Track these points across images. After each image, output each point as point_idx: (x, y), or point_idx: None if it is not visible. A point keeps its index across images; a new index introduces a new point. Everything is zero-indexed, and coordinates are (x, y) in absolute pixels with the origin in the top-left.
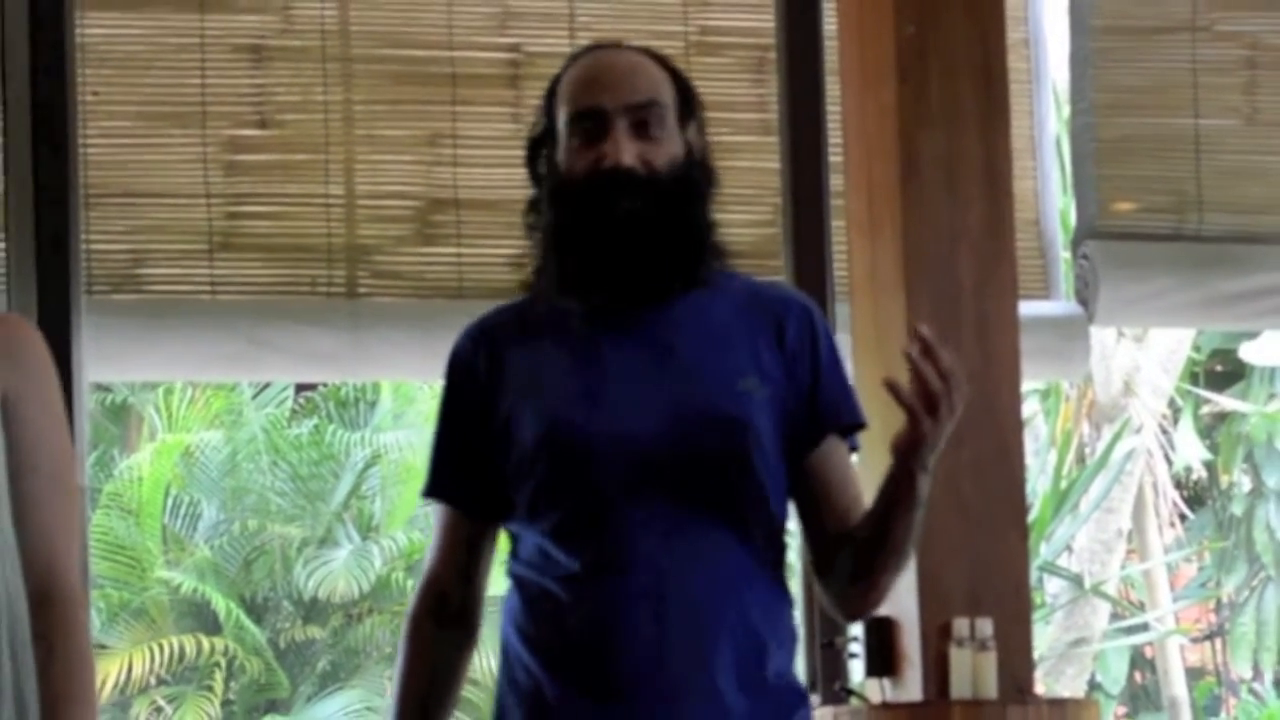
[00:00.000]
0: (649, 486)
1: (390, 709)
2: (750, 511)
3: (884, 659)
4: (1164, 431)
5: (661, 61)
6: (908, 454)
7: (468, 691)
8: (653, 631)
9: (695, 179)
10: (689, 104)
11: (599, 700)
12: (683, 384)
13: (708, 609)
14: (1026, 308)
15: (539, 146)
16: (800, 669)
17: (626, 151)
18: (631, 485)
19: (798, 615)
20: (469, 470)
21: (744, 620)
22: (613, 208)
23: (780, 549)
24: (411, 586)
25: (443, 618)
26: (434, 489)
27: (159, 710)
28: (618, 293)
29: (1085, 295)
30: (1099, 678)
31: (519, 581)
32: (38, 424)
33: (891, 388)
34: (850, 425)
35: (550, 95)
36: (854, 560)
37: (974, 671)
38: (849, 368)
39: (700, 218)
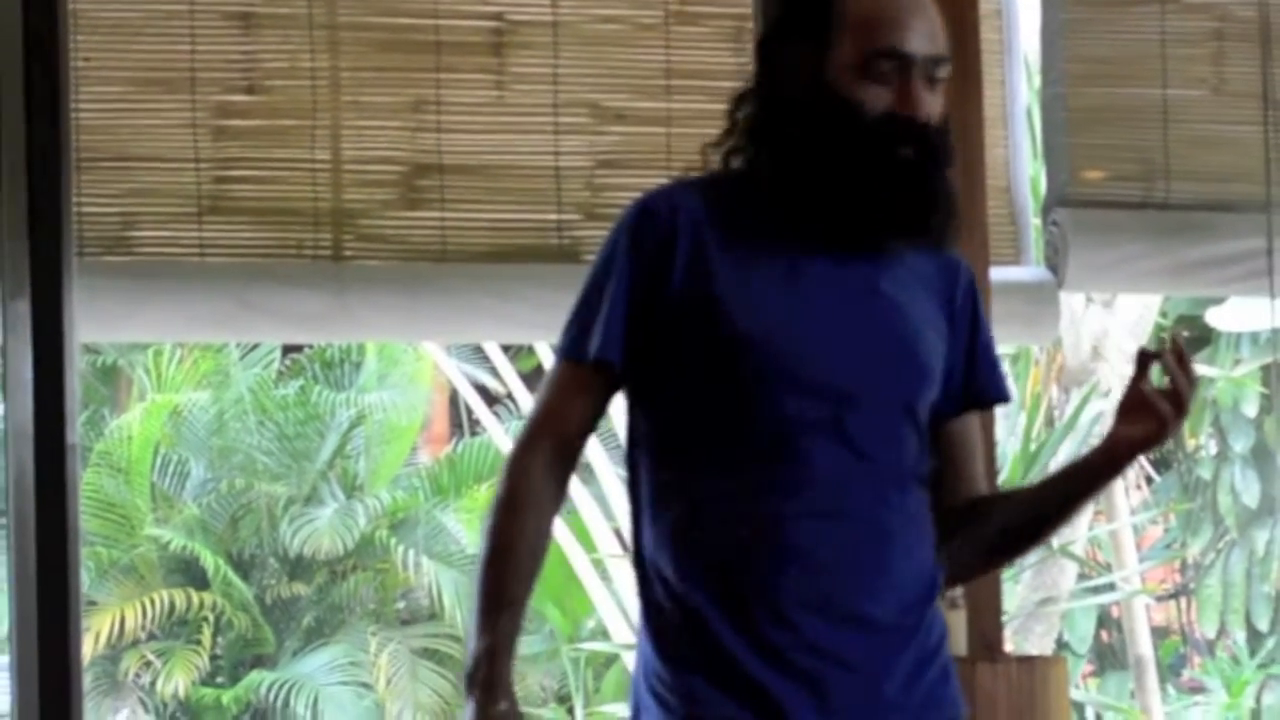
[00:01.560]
0: (841, 418)
1: (493, 580)
2: (922, 456)
3: None
4: None
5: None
6: (1136, 451)
7: (449, 648)
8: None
9: (952, 142)
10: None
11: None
12: (885, 325)
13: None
14: (997, 273)
15: (788, 33)
16: None
17: (925, 105)
18: (822, 418)
19: None
20: (635, 338)
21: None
22: (896, 154)
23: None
24: (394, 545)
25: (561, 475)
26: (600, 348)
27: (148, 664)
28: (872, 236)
29: (1055, 261)
30: (1066, 636)
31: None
32: None
33: (1145, 391)
34: (999, 399)
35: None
36: (1000, 534)
37: None
38: None
39: (951, 180)
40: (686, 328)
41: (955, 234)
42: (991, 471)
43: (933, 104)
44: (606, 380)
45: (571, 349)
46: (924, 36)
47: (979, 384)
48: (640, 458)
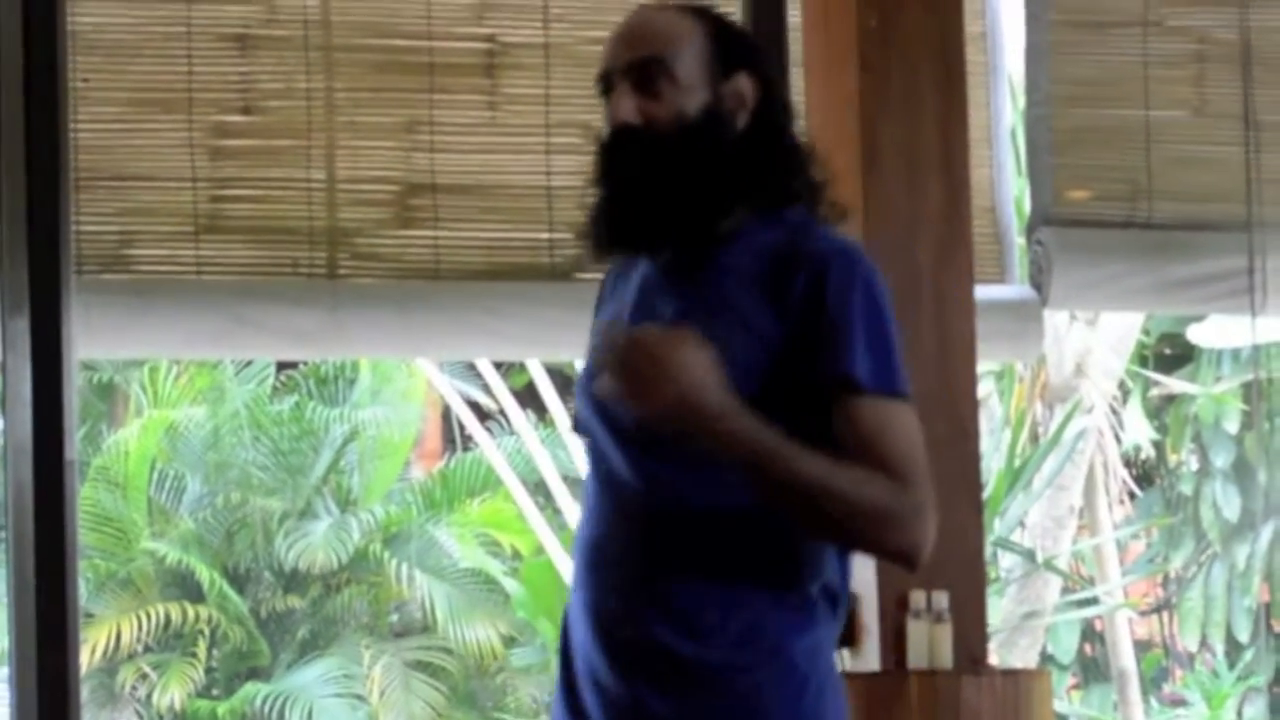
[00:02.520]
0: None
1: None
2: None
3: (844, 630)
4: (1114, 412)
5: (699, 14)
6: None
7: (442, 661)
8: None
9: (703, 130)
10: (733, 53)
11: None
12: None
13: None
14: (982, 291)
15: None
16: None
17: (623, 108)
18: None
19: None
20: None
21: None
22: (609, 164)
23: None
24: (388, 559)
25: None
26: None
27: (144, 677)
28: (619, 248)
29: (1039, 280)
30: (1050, 649)
31: None
32: None
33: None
34: (835, 379)
35: None
36: None
37: (930, 642)
38: None
39: (708, 168)
40: None
41: (697, 221)
42: (875, 457)
43: (648, 105)
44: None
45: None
46: (621, 47)
47: (818, 368)
48: None
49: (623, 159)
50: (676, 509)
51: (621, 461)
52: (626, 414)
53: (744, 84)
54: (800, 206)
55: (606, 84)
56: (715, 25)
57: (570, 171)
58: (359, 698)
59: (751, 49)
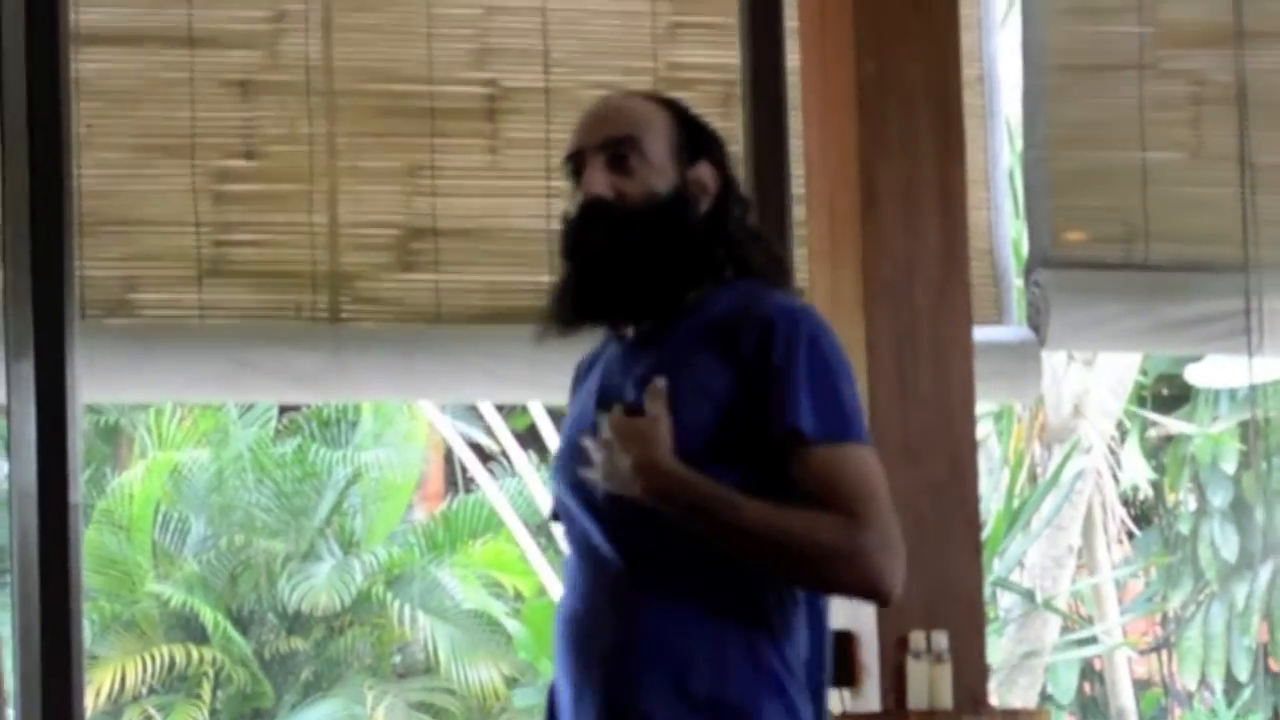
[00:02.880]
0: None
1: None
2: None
3: (844, 670)
4: (1112, 452)
5: (667, 105)
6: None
7: (444, 702)
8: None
9: (672, 209)
10: (697, 143)
11: None
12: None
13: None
14: (980, 333)
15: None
16: None
17: (596, 182)
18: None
19: None
20: None
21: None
22: (581, 236)
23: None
24: (391, 600)
25: None
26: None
27: (149, 718)
28: (588, 317)
29: (1037, 321)
30: (1050, 688)
31: None
32: None
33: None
34: (785, 429)
35: None
36: None
37: (930, 682)
38: None
39: (674, 244)
40: None
41: (661, 293)
42: (833, 500)
43: (621, 181)
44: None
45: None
46: (595, 128)
47: (769, 423)
48: None
49: (595, 231)
50: (653, 573)
51: (599, 534)
52: (600, 490)
53: (706, 172)
54: (758, 279)
55: (576, 163)
56: (681, 114)
57: None
58: None
59: (714, 140)
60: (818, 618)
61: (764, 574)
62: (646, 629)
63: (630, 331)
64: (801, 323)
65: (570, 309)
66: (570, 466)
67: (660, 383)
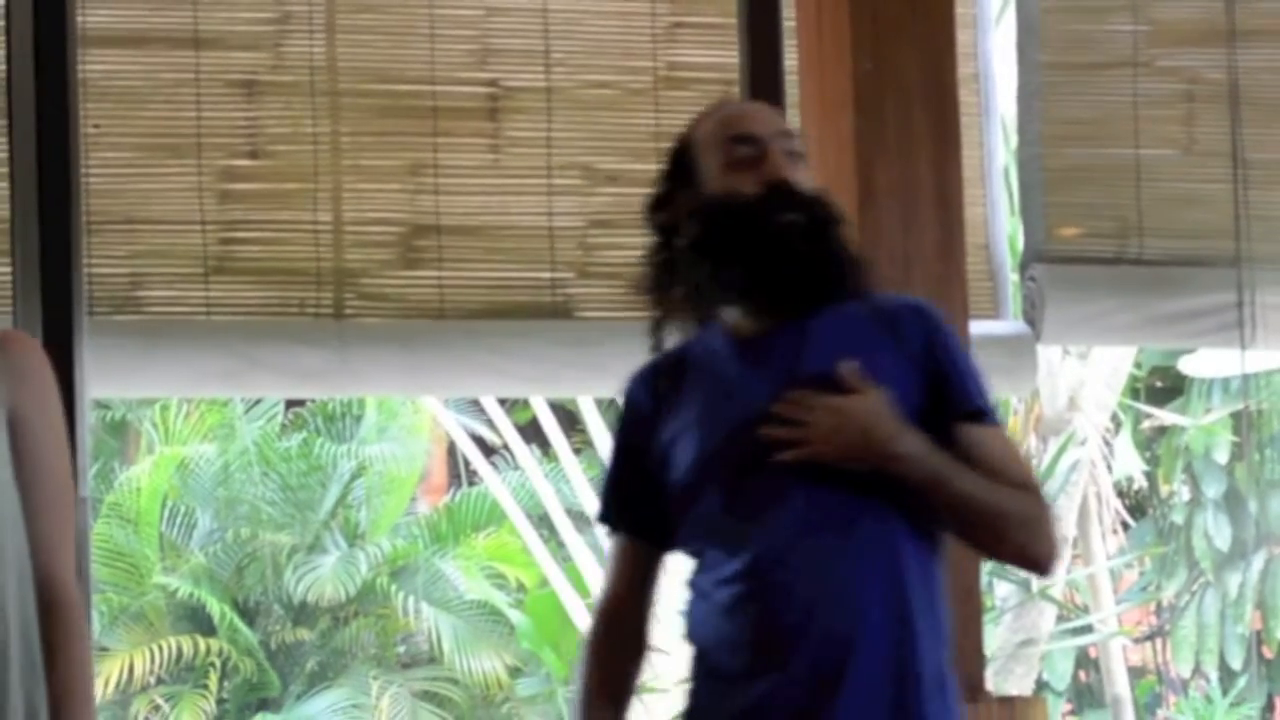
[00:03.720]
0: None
1: None
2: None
3: None
4: (1107, 444)
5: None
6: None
7: (448, 691)
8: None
9: (834, 203)
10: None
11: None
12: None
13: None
14: (977, 327)
15: (662, 205)
16: None
17: (786, 168)
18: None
19: None
20: (641, 501)
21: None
22: (779, 217)
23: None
24: (395, 591)
25: (618, 640)
26: (610, 518)
27: (157, 708)
28: (781, 298)
29: (1032, 315)
30: (1046, 677)
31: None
32: (42, 439)
33: None
34: (967, 410)
35: (682, 151)
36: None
37: None
38: None
39: (846, 236)
40: (662, 479)
41: (863, 283)
42: (1010, 475)
43: (798, 174)
44: (640, 540)
45: (598, 515)
46: (769, 121)
47: (953, 404)
48: None
49: (793, 214)
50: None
51: (815, 495)
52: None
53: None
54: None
55: (754, 147)
56: None
57: (571, 212)
58: None
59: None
60: None
61: (959, 535)
62: (911, 566)
63: (750, 324)
64: (939, 314)
65: (761, 285)
66: (742, 452)
67: (855, 364)
